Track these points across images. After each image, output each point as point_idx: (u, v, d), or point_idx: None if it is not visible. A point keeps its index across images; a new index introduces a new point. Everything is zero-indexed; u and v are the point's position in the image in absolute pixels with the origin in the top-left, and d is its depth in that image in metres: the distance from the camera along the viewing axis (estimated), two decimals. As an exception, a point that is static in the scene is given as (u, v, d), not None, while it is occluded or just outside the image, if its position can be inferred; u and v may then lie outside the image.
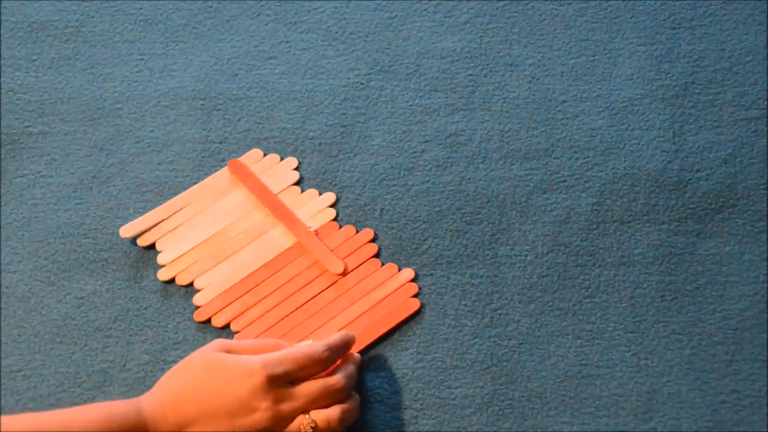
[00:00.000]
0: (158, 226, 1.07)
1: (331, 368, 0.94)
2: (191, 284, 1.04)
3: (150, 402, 0.90)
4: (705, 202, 1.07)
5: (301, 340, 1.00)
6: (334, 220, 1.07)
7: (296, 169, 1.10)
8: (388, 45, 1.19)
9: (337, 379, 0.92)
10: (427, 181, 1.09)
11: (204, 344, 1.00)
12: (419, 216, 1.07)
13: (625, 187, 1.08)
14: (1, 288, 1.04)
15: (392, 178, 1.09)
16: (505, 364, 0.99)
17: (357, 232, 1.06)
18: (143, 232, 1.07)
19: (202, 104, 1.15)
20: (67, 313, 1.03)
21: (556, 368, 0.98)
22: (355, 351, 0.98)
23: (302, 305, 1.02)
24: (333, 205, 1.08)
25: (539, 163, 1.10)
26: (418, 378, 0.98)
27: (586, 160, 1.10)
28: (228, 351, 0.92)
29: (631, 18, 1.20)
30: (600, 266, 1.03)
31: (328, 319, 1.01)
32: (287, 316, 1.01)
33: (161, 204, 1.08)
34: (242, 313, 1.02)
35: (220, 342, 0.93)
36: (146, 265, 1.05)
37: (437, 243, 1.05)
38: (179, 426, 0.89)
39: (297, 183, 1.09)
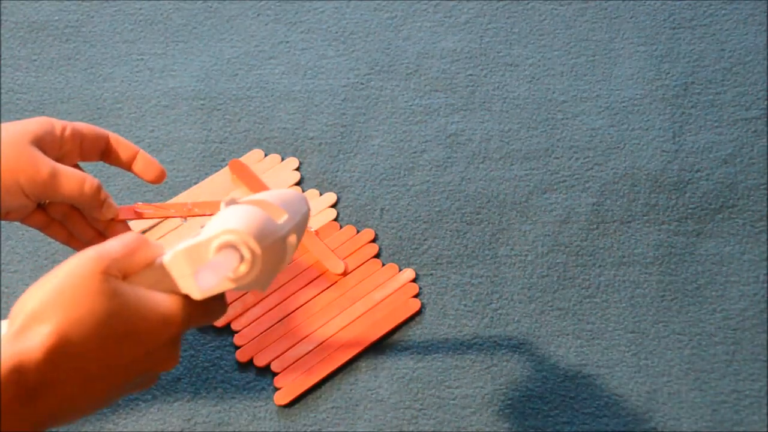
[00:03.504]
0: (158, 226, 1.07)
1: None
2: (191, 284, 1.04)
3: None
4: (705, 202, 1.07)
5: (302, 340, 1.00)
6: (335, 220, 1.07)
7: (297, 169, 1.10)
8: (388, 45, 1.19)
9: None
10: (427, 181, 1.09)
11: (204, 344, 1.00)
12: (419, 216, 1.07)
13: (625, 187, 1.08)
14: (1, 288, 1.04)
15: (392, 178, 1.09)
16: (505, 364, 0.99)
17: (357, 232, 1.06)
18: (143, 232, 1.07)
19: (202, 104, 1.15)
20: (68, 313, 1.03)
21: (556, 368, 0.98)
22: (355, 352, 0.98)
23: (302, 305, 1.02)
24: (334, 206, 1.08)
25: (539, 163, 1.10)
26: (418, 378, 0.98)
27: (586, 160, 1.10)
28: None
29: (631, 18, 1.20)
30: (600, 266, 1.04)
31: (328, 319, 1.01)
32: (287, 316, 1.01)
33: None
34: (242, 313, 1.02)
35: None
36: (146, 265, 1.05)
37: (437, 243, 1.05)
38: None
39: (298, 183, 1.09)
